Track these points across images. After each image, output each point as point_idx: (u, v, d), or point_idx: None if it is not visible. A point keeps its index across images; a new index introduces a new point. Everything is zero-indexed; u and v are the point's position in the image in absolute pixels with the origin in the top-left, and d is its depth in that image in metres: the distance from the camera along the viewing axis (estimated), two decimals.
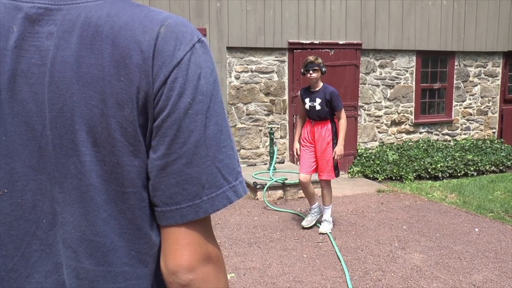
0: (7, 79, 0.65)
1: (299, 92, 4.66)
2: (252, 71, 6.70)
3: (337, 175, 4.50)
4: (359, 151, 7.29)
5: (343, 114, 4.39)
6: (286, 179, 5.76)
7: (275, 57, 6.78)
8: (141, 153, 0.66)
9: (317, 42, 6.86)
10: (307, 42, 6.82)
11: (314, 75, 4.31)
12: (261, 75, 6.74)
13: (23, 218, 0.67)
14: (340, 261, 3.76)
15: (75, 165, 0.65)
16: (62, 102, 0.65)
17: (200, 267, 0.68)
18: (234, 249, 4.08)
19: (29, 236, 0.67)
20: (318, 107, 4.36)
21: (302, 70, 4.43)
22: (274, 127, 6.84)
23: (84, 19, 0.66)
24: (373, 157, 7.10)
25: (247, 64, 6.64)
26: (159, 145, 0.66)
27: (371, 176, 6.79)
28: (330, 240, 4.27)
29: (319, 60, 4.34)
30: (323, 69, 4.36)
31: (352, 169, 7.06)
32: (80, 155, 0.65)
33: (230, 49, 6.51)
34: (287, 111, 6.93)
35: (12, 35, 0.66)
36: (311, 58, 4.34)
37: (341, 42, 6.99)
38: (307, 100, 4.43)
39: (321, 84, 4.43)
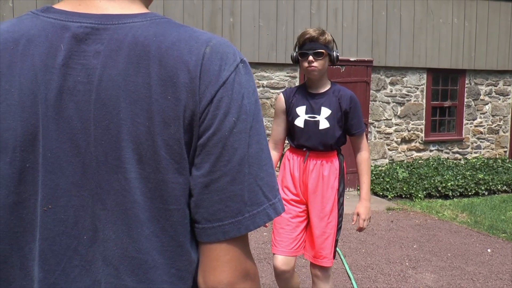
0: (54, 97, 0.67)
1: (281, 94, 2.58)
2: (263, 86, 6.74)
3: (334, 253, 2.50)
4: None
5: (366, 142, 2.53)
6: None
7: (287, 73, 6.82)
8: (185, 171, 0.67)
9: None
10: None
11: (316, 64, 2.34)
12: (272, 91, 6.78)
13: (65, 233, 0.68)
14: (350, 279, 3.73)
15: (120, 182, 0.66)
16: (109, 119, 0.66)
17: (239, 284, 0.69)
18: None
19: (70, 252, 0.68)
20: (323, 124, 2.39)
21: (294, 54, 2.48)
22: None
23: (131, 38, 0.67)
24: (383, 174, 7.07)
25: (259, 80, 6.69)
26: (204, 162, 0.67)
27: (381, 193, 6.76)
28: (340, 258, 4.24)
29: (327, 37, 2.39)
30: (334, 54, 2.40)
31: None
32: (126, 172, 0.66)
33: None
34: None
35: (59, 53, 0.67)
36: (311, 32, 2.36)
37: (352, 59, 7.02)
38: (300, 109, 2.44)
39: (328, 83, 2.48)
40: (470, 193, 6.90)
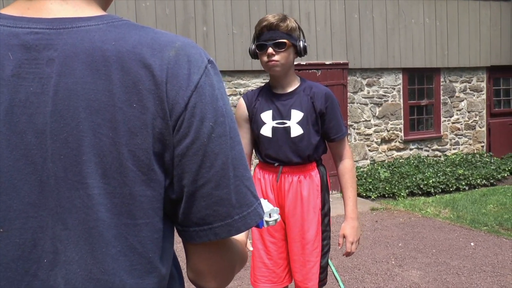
0: (4, 111, 0.61)
1: (241, 99, 2.17)
2: (240, 94, 6.72)
3: (323, 280, 2.10)
4: None
5: (348, 148, 2.11)
6: None
7: (263, 79, 6.81)
8: (154, 182, 0.64)
9: (304, 63, 6.93)
10: (294, 63, 6.86)
11: (277, 57, 1.92)
12: None
13: (22, 258, 0.62)
14: (337, 281, 3.70)
15: (82, 199, 0.62)
16: (67, 132, 0.61)
17: (228, 276, 0.74)
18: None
19: (29, 277, 0.63)
20: (296, 131, 2.00)
21: (253, 47, 2.01)
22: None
23: (88, 43, 0.63)
24: (365, 175, 7.10)
25: (235, 87, 6.67)
26: (185, 172, 0.64)
27: (364, 194, 6.77)
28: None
29: (290, 24, 1.94)
30: (301, 44, 1.97)
31: None
32: (88, 188, 0.62)
33: None
34: None
35: (8, 63, 0.62)
36: (270, 18, 1.93)
37: (327, 62, 7.06)
38: (266, 115, 2.05)
39: (297, 80, 2.06)
40: (451, 189, 6.97)
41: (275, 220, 1.13)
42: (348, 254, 2.10)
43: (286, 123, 2.02)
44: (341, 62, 7.16)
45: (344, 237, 2.08)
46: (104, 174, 0.62)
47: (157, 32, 0.67)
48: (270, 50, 1.91)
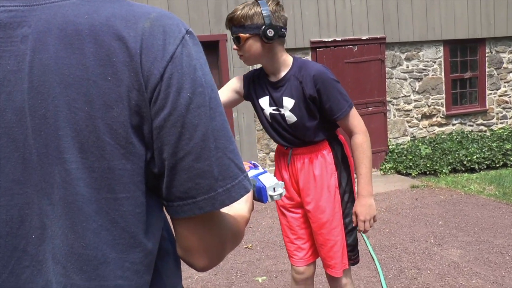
0: None
1: (242, 75, 2.16)
2: None
3: (354, 259, 2.14)
4: (390, 147, 7.12)
5: (357, 122, 1.95)
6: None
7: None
8: (134, 156, 0.63)
9: (340, 39, 6.76)
10: (330, 39, 6.73)
11: (241, 51, 1.90)
12: None
13: (11, 234, 0.64)
14: (374, 260, 3.66)
15: (60, 174, 0.62)
16: (45, 108, 0.61)
17: (221, 251, 0.73)
18: (266, 252, 4.03)
19: (19, 252, 0.64)
20: (290, 118, 1.98)
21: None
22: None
23: (60, 18, 0.63)
24: (405, 152, 6.92)
25: None
26: (165, 145, 0.63)
27: (404, 172, 6.62)
28: (364, 239, 4.16)
29: (242, 13, 1.81)
30: (265, 31, 1.80)
31: (384, 166, 6.90)
32: (65, 162, 0.62)
33: None
34: None
35: None
36: (231, 14, 1.85)
37: (364, 38, 6.86)
38: (263, 101, 2.04)
39: (287, 64, 1.95)
40: (497, 165, 6.69)
41: (280, 194, 1.10)
42: (363, 231, 2.03)
43: (280, 111, 2.00)
44: (378, 36, 6.93)
45: (355, 216, 2.02)
46: (81, 148, 0.62)
47: (133, 4, 0.66)
48: (234, 46, 1.92)
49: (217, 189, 0.66)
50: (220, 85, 6.50)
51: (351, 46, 6.80)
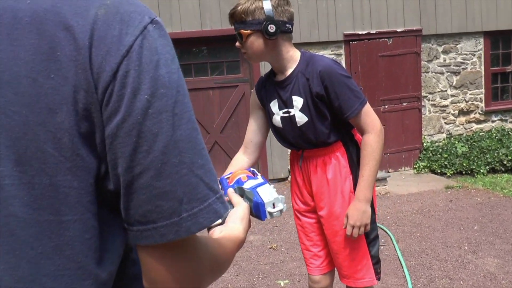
0: None
1: (254, 88, 2.05)
2: None
3: (379, 273, 1.99)
4: (424, 144, 6.84)
5: (370, 121, 1.80)
6: None
7: (331, 51, 6.52)
8: (82, 170, 0.53)
9: (374, 32, 6.52)
10: (364, 32, 6.50)
11: (243, 49, 1.80)
12: None
13: None
14: (402, 266, 3.49)
15: None
16: None
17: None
18: (291, 254, 3.93)
19: None
20: (300, 119, 1.85)
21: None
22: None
23: None
24: (440, 150, 6.64)
25: None
26: (118, 158, 0.53)
27: (439, 171, 6.35)
28: (393, 243, 3.99)
29: (243, 8, 1.71)
30: (267, 26, 1.69)
31: (417, 164, 6.65)
32: None
33: None
34: None
35: None
36: (233, 9, 1.75)
37: (399, 30, 6.59)
38: (273, 105, 1.92)
39: (294, 61, 1.84)
40: None
41: (280, 211, 0.99)
42: (351, 236, 1.86)
43: (290, 112, 1.87)
44: (414, 28, 6.64)
45: (346, 219, 1.86)
46: (18, 160, 0.51)
47: None
48: (237, 43, 1.81)
49: (182, 213, 0.55)
50: (252, 82, 6.39)
51: (385, 39, 6.54)
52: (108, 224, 0.57)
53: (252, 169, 1.10)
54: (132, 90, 0.52)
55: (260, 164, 6.47)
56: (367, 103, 1.80)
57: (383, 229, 4.32)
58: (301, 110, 1.84)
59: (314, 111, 1.82)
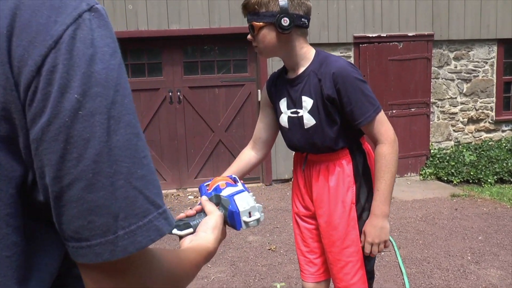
0: None
1: (265, 85, 1.98)
2: None
3: (370, 286, 1.89)
4: (432, 151, 6.73)
5: (384, 130, 1.70)
6: None
7: (340, 53, 6.43)
8: (2, 180, 0.47)
9: (385, 35, 6.43)
10: (374, 35, 6.41)
11: (255, 42, 1.72)
12: None
13: None
14: (402, 274, 3.40)
15: None
16: None
17: None
18: (289, 256, 3.85)
19: None
20: (308, 121, 1.76)
21: None
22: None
23: None
24: (447, 158, 6.53)
25: None
26: (46, 166, 0.46)
27: (445, 178, 6.24)
28: (394, 250, 3.90)
29: None
30: (280, 19, 1.60)
31: (424, 171, 6.54)
32: None
33: None
34: None
35: None
36: (246, 0, 1.67)
37: (410, 34, 6.49)
38: (282, 104, 1.84)
39: (307, 59, 1.74)
40: None
41: (257, 220, 0.92)
42: (369, 254, 1.78)
43: (299, 113, 1.78)
44: (426, 33, 6.54)
45: (363, 237, 1.76)
46: None
47: None
48: (249, 36, 1.73)
49: (117, 231, 0.48)
50: (259, 81, 6.33)
51: (396, 43, 6.45)
52: (39, 239, 0.51)
53: (234, 176, 1.04)
54: (59, 87, 0.45)
55: (264, 164, 6.41)
56: (382, 111, 1.70)
57: None
58: (310, 112, 1.74)
59: (323, 114, 1.72)
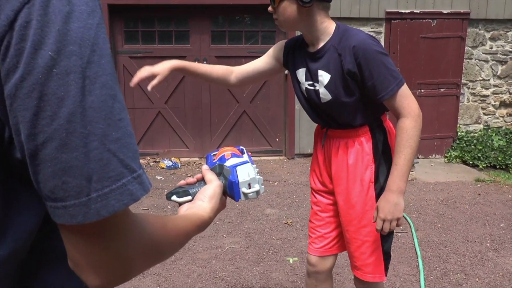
0: None
1: (284, 42, 1.95)
2: None
3: (386, 266, 1.88)
4: (459, 133, 6.57)
5: (407, 104, 1.64)
6: None
7: (371, 28, 6.27)
8: None
9: (418, 11, 6.21)
10: (407, 11, 6.20)
11: (275, 14, 1.70)
12: None
13: None
14: (417, 256, 3.38)
15: None
16: None
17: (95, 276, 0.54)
18: (305, 231, 3.87)
19: None
20: (324, 96, 1.75)
21: None
22: None
23: None
24: (475, 141, 6.36)
25: None
26: (20, 122, 0.46)
27: (471, 162, 6.10)
28: (411, 232, 3.87)
29: None
30: None
31: (449, 153, 6.40)
32: None
33: None
34: None
35: None
36: None
37: (445, 11, 6.25)
38: (301, 73, 1.82)
39: (327, 33, 1.72)
40: None
41: (256, 192, 0.92)
42: (379, 231, 1.71)
43: (316, 86, 1.76)
44: (462, 11, 6.28)
45: (376, 213, 1.70)
46: None
47: None
48: (270, 8, 1.70)
49: (91, 193, 0.48)
50: None
51: (429, 20, 6.23)
52: (16, 197, 0.51)
53: (241, 147, 1.03)
54: (33, 44, 0.45)
55: (287, 138, 6.39)
56: (405, 85, 1.65)
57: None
58: (326, 87, 1.72)
59: (341, 89, 1.69)
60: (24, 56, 0.45)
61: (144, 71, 1.74)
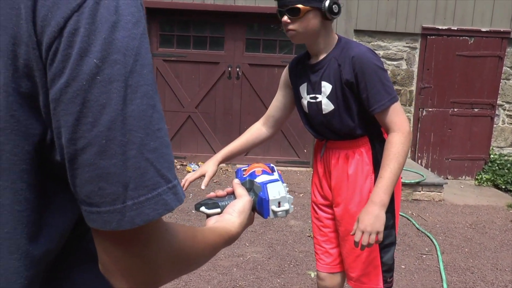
0: None
1: (287, 66, 1.97)
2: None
3: (389, 282, 1.86)
4: (491, 156, 6.40)
5: (398, 120, 1.66)
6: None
7: (406, 43, 6.19)
8: (18, 135, 0.48)
9: (455, 28, 6.10)
10: (444, 28, 6.10)
11: (293, 26, 1.66)
12: (388, 62, 6.22)
13: None
14: (442, 280, 3.30)
15: None
16: None
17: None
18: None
19: None
20: (326, 107, 1.76)
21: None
22: None
23: None
24: (508, 165, 6.18)
25: (375, 49, 6.16)
26: (62, 126, 0.47)
27: (503, 187, 5.93)
28: (437, 254, 3.78)
29: None
30: (327, 4, 1.63)
31: (480, 176, 6.24)
32: None
33: (358, 32, 6.08)
34: (413, 103, 6.32)
35: None
36: None
37: (484, 29, 6.12)
38: (303, 88, 1.85)
39: (331, 45, 1.75)
40: None
41: (286, 211, 0.91)
42: (358, 244, 1.63)
43: (317, 98, 1.80)
44: (501, 30, 6.14)
45: (356, 227, 1.65)
46: None
47: None
48: (285, 18, 1.67)
49: (126, 201, 0.49)
50: None
51: (467, 38, 6.11)
52: (54, 199, 0.52)
53: (271, 165, 1.03)
54: (79, 50, 0.46)
55: (305, 148, 6.35)
56: (398, 102, 1.69)
57: (428, 237, 4.11)
58: (328, 97, 1.76)
59: (341, 100, 1.73)
60: (70, 62, 0.46)
61: (194, 174, 1.81)
